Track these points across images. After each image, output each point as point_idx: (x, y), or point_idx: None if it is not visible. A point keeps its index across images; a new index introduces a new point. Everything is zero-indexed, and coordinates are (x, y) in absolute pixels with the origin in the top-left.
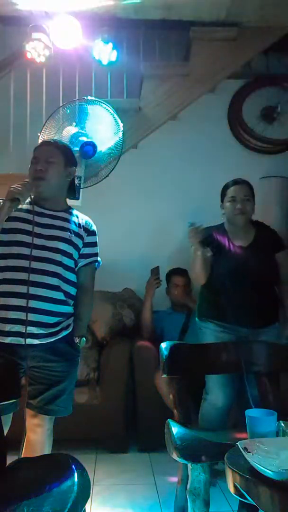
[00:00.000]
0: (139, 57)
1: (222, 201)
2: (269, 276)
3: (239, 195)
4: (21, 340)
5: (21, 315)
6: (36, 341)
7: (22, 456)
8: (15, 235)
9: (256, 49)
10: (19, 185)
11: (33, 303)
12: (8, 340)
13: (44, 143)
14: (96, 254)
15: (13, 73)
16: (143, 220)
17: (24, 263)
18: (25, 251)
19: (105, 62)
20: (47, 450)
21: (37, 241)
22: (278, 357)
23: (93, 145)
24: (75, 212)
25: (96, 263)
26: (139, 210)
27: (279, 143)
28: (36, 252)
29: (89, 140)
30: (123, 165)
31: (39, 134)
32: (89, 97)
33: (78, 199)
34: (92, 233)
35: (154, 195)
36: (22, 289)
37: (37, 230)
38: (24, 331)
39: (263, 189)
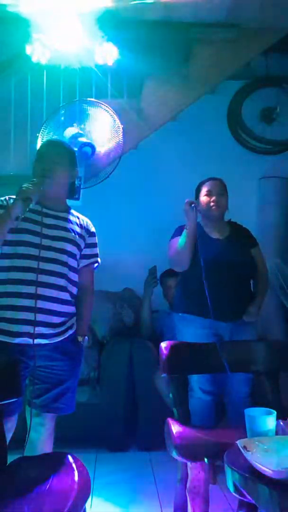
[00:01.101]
0: (139, 58)
1: (196, 198)
2: (247, 268)
3: (214, 189)
4: (29, 340)
5: (29, 316)
6: (45, 341)
7: (25, 455)
8: (21, 235)
9: (256, 50)
10: (30, 184)
11: (41, 304)
12: (16, 340)
13: (51, 142)
14: (96, 255)
15: (13, 74)
16: (143, 220)
17: (31, 263)
18: (32, 251)
19: (105, 62)
20: (48, 448)
21: (43, 241)
22: (277, 356)
23: (91, 146)
24: (74, 212)
25: (96, 264)
26: (139, 210)
27: (278, 144)
28: (42, 253)
29: (87, 141)
30: (123, 166)
31: (38, 135)
32: (89, 99)
33: (78, 199)
34: (93, 234)
35: (154, 195)
36: (30, 289)
37: (43, 230)
38: (32, 331)
39: (263, 189)
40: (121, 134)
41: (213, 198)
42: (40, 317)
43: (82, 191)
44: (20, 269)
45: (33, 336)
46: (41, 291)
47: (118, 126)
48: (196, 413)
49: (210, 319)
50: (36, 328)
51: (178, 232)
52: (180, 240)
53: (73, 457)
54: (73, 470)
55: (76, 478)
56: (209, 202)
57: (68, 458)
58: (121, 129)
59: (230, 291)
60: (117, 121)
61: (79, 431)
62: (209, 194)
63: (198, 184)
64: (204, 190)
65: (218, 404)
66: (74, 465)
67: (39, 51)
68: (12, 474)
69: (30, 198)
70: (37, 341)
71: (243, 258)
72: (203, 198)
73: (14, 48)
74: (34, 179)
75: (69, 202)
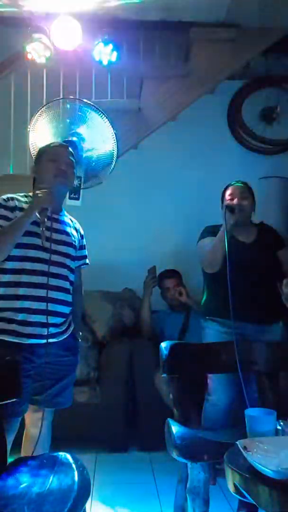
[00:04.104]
0: (139, 58)
1: (222, 203)
2: (273, 272)
3: (236, 193)
4: (41, 341)
5: (41, 318)
6: (54, 340)
7: (24, 449)
8: (28, 238)
9: (256, 50)
10: (43, 194)
11: (51, 306)
12: (29, 341)
13: (60, 145)
14: (85, 256)
15: (13, 74)
16: (143, 220)
17: (42, 267)
18: (40, 254)
19: (105, 62)
20: (47, 444)
21: (49, 245)
22: (278, 356)
23: (76, 145)
24: (67, 214)
25: (85, 265)
26: (139, 210)
27: (278, 144)
28: (52, 257)
29: (73, 139)
30: (123, 166)
31: (29, 128)
32: (85, 100)
33: (78, 199)
34: (83, 236)
35: (154, 195)
36: (42, 292)
37: (48, 234)
38: (44, 333)
39: (263, 189)
40: (114, 140)
41: (235, 201)
42: (50, 319)
43: (81, 191)
44: (31, 272)
45: (44, 337)
46: (51, 294)
47: (111, 131)
48: (211, 418)
49: (236, 321)
50: (48, 329)
51: (207, 233)
52: (215, 241)
53: (73, 457)
54: (73, 470)
55: (76, 478)
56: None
57: (68, 458)
58: (114, 136)
59: (255, 294)
60: (109, 125)
61: (79, 431)
62: (231, 198)
63: (223, 188)
64: (227, 194)
65: (234, 408)
66: (74, 465)
67: (40, 51)
68: (11, 475)
69: (46, 208)
70: (49, 340)
71: (267, 262)
72: (226, 203)
73: (14, 47)
74: (46, 186)
75: (69, 202)
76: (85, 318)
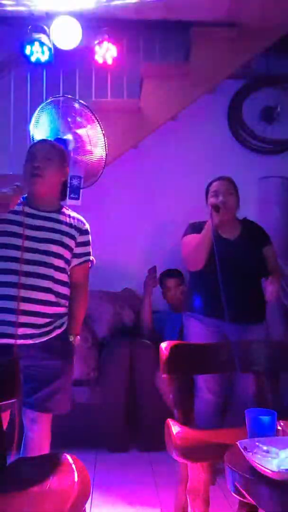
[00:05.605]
0: (139, 57)
1: (206, 199)
2: (257, 269)
3: (221, 189)
4: (12, 341)
5: (12, 317)
6: (29, 341)
7: (22, 455)
8: (3, 238)
9: (256, 49)
10: (5, 190)
11: (25, 306)
12: (0, 342)
13: (40, 141)
14: (88, 253)
15: (13, 74)
16: (143, 220)
17: (13, 265)
18: (13, 253)
19: (105, 62)
20: (45, 449)
21: (29, 243)
22: (278, 356)
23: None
24: (66, 211)
25: (89, 262)
26: (139, 210)
27: (278, 143)
28: (27, 255)
29: (66, 138)
30: (123, 165)
31: (32, 128)
32: (81, 101)
33: (78, 199)
34: (85, 232)
35: (154, 195)
36: (12, 291)
37: (29, 232)
38: (15, 332)
39: (263, 189)
40: (106, 146)
41: (220, 198)
42: (24, 318)
43: (82, 191)
44: (4, 272)
45: (15, 337)
46: (25, 293)
47: (102, 134)
48: (201, 415)
49: (218, 319)
50: (20, 329)
51: (191, 229)
52: (198, 239)
53: (73, 458)
54: (73, 470)
55: (76, 478)
56: (217, 202)
57: (68, 459)
58: (106, 142)
59: (237, 292)
60: (101, 130)
61: (79, 431)
62: (215, 195)
63: (207, 185)
64: (211, 190)
65: (223, 405)
66: (74, 466)
67: (39, 50)
68: (11, 475)
69: (5, 204)
70: (21, 341)
71: (251, 259)
72: (211, 199)
73: (14, 47)
74: (17, 183)
75: (69, 202)
76: (85, 318)
